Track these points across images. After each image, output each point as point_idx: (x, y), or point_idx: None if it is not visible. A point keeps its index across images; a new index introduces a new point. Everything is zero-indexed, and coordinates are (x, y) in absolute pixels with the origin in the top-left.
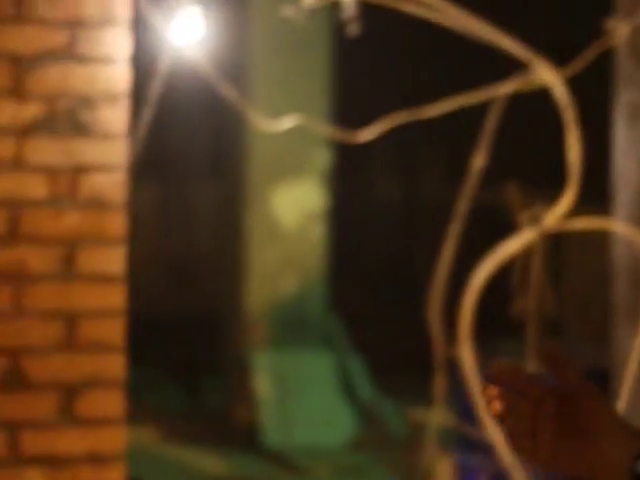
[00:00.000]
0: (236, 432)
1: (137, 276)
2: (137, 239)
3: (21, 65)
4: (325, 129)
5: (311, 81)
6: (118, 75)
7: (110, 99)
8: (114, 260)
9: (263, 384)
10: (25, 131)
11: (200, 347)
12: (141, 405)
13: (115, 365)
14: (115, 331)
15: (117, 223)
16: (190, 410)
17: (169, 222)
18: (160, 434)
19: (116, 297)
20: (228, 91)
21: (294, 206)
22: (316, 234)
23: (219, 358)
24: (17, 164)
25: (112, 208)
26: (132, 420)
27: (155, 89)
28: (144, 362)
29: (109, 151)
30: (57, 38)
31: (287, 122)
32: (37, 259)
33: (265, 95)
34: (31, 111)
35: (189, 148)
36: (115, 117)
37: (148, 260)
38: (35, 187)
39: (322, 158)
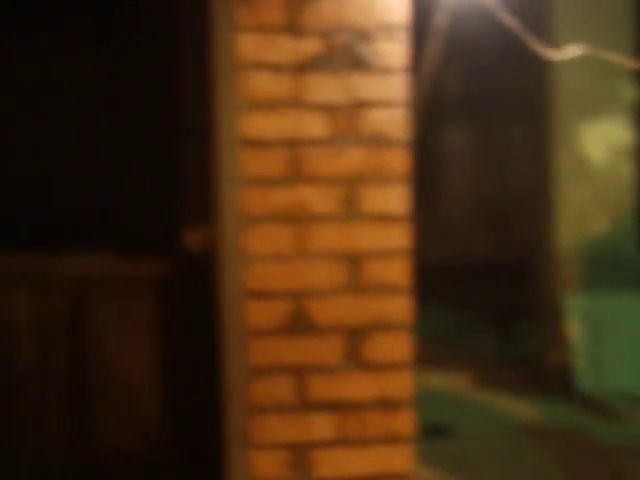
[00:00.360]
0: (549, 377)
1: (451, 220)
2: (448, 182)
3: (296, 0)
4: (617, 58)
5: (611, 11)
6: (395, 6)
7: (387, 32)
8: (396, 199)
9: (576, 328)
10: (302, 68)
11: (512, 291)
12: (455, 351)
13: (401, 307)
14: (400, 272)
15: (398, 160)
16: (503, 356)
17: (477, 163)
18: (473, 380)
19: (399, 237)
20: (512, 21)
21: (602, 143)
22: (626, 170)
23: (531, 302)
24: (295, 102)
25: (393, 145)
26: (446, 366)
27: (439, 22)
28: (458, 308)
29: (388, 86)
30: None
31: (572, 51)
32: (318, 199)
33: (559, 25)
34: (308, 47)
35: (489, 85)
36: (393, 50)
37: (460, 203)
38: (314, 125)
39: (629, 92)
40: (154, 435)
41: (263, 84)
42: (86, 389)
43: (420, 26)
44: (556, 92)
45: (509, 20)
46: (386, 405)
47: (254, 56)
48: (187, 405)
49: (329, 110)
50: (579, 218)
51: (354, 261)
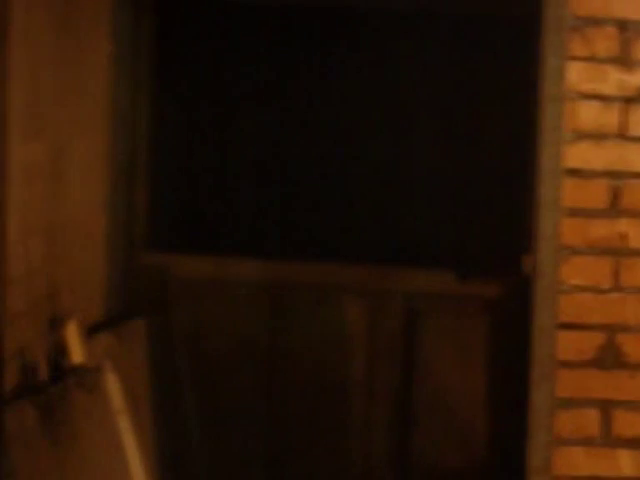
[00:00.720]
0: None
1: None
2: None
3: (627, 32)
4: None
5: None
6: None
7: None
8: None
9: None
10: (631, 101)
11: None
12: None
13: None
14: None
15: None
16: None
17: None
18: None
19: None
20: None
21: None
22: None
23: None
24: (621, 135)
25: None
26: None
27: None
28: None
29: None
30: None
31: None
32: (638, 233)
33: None
34: (637, 80)
35: None
36: None
37: None
38: (638, 159)
39: None
40: (472, 455)
41: (590, 115)
42: (412, 403)
43: None
44: None
45: None
46: None
47: (583, 86)
48: (501, 429)
49: None
50: None
51: None
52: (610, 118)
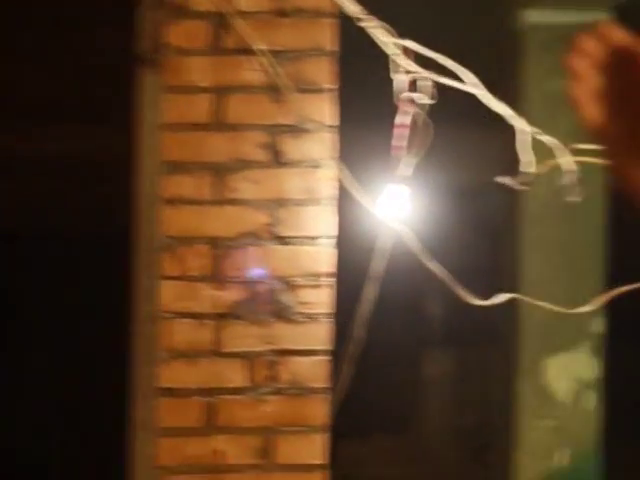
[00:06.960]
0: None
1: None
2: None
3: (218, 249)
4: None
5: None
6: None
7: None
8: None
9: None
10: (222, 316)
11: None
12: None
13: None
14: None
15: None
16: None
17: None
18: None
19: None
20: (443, 272)
21: (567, 376)
22: (589, 405)
23: None
24: (214, 351)
25: None
26: None
27: (376, 268)
28: None
29: (310, 335)
30: None
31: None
32: (234, 449)
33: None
34: (229, 296)
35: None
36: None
37: None
38: (232, 374)
39: (595, 325)
40: None
41: (183, 333)
42: None
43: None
44: (521, 326)
45: (436, 267)
46: None
47: (176, 305)
48: None
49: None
50: (541, 451)
51: None
52: (204, 335)
